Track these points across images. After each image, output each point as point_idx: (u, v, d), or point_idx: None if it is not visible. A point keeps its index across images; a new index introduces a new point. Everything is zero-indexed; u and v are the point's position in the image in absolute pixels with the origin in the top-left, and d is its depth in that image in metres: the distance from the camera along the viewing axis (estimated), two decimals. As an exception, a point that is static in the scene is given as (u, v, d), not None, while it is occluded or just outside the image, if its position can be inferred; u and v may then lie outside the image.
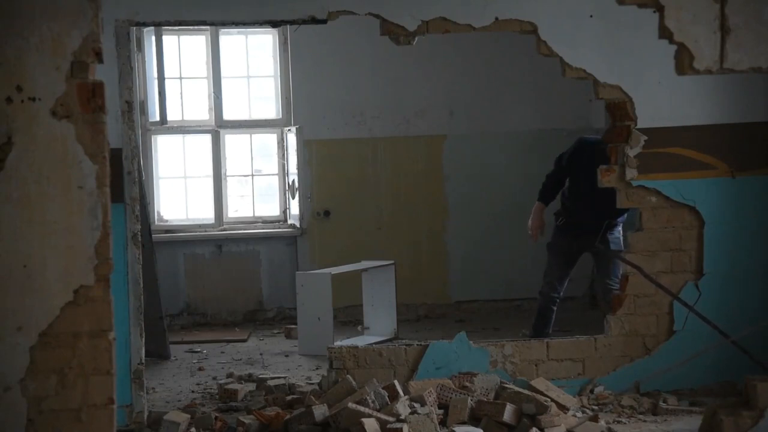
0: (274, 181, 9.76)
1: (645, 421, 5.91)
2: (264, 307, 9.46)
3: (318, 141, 9.37)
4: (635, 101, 6.30)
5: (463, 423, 5.53)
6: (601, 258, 7.10)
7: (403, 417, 5.35)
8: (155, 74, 9.24)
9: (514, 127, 9.43)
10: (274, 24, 6.26)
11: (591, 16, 6.30)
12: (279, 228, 9.58)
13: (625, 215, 6.98)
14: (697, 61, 4.76)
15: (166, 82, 9.29)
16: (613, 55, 6.31)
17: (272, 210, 9.76)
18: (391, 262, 8.44)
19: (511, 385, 5.92)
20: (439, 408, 5.68)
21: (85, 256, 3.85)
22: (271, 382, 6.70)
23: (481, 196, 9.41)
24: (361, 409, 5.40)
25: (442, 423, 5.57)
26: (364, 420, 5.24)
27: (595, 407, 6.10)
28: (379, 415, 5.36)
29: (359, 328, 8.56)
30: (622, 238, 6.97)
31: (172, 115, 9.48)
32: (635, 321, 6.39)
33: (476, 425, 5.51)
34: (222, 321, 9.35)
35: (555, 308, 7.15)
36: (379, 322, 8.35)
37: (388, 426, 5.26)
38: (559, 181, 7.15)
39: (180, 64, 9.55)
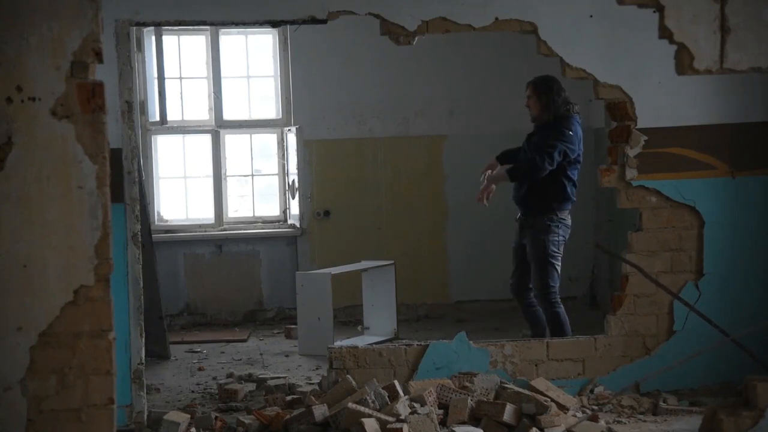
0: (274, 181, 9.76)
1: (645, 421, 5.91)
2: (264, 307, 9.46)
3: (318, 141, 9.37)
4: (635, 101, 6.31)
5: (463, 423, 5.53)
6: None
7: (403, 417, 5.35)
8: (155, 74, 9.25)
9: (514, 127, 9.40)
10: (274, 24, 6.26)
11: (591, 16, 6.31)
12: (279, 228, 9.58)
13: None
14: (697, 61, 4.75)
15: (166, 82, 9.30)
16: (613, 55, 6.32)
17: (272, 210, 9.76)
18: (391, 262, 8.43)
19: (511, 385, 5.92)
20: (439, 408, 5.68)
21: (85, 256, 3.85)
22: (271, 382, 6.70)
23: (481, 196, 9.40)
24: (361, 409, 5.40)
25: (442, 423, 5.57)
26: (364, 420, 5.24)
27: (595, 407, 6.10)
28: (379, 415, 5.36)
29: (359, 328, 8.55)
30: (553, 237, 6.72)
31: (172, 115, 9.49)
32: (635, 321, 6.39)
33: (476, 425, 5.51)
34: (222, 321, 9.35)
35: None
36: (379, 322, 8.35)
37: (388, 426, 5.26)
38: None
39: (180, 64, 9.56)
